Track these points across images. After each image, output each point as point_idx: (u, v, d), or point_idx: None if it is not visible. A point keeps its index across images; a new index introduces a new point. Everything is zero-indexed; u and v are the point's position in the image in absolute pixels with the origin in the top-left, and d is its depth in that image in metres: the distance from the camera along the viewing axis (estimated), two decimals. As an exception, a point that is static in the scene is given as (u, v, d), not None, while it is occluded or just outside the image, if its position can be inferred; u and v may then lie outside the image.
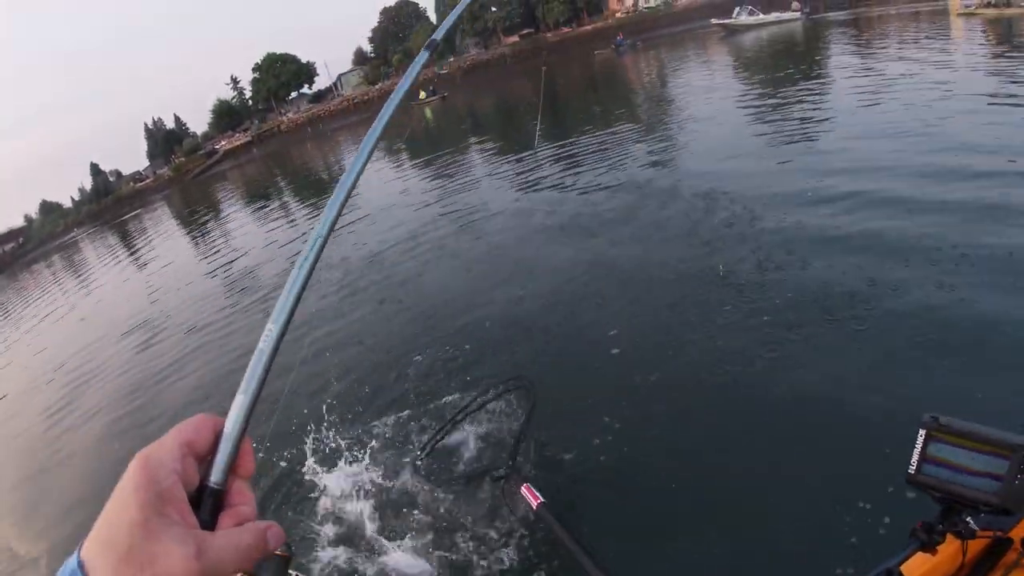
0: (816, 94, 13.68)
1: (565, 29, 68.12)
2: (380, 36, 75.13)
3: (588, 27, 66.20)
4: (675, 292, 5.91)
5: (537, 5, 68.67)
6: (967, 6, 24.47)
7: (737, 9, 46.92)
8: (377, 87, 66.42)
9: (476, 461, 3.88)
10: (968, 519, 1.63)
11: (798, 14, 43.73)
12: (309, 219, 15.44)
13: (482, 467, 2.95)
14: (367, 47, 77.60)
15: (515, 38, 69.47)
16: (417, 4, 74.81)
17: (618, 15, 68.40)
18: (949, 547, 1.71)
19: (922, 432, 1.61)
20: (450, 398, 5.02)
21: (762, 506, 3.29)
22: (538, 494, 2.04)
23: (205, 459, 0.56)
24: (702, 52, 35.66)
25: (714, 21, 47.08)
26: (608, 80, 33.41)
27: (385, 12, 74.94)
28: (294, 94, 74.90)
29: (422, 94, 45.77)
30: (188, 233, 22.38)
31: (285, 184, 23.65)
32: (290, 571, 0.61)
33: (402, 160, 20.36)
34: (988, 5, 23.74)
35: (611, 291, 6.40)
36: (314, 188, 21.69)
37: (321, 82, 76.13)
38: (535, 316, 6.24)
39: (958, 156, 7.34)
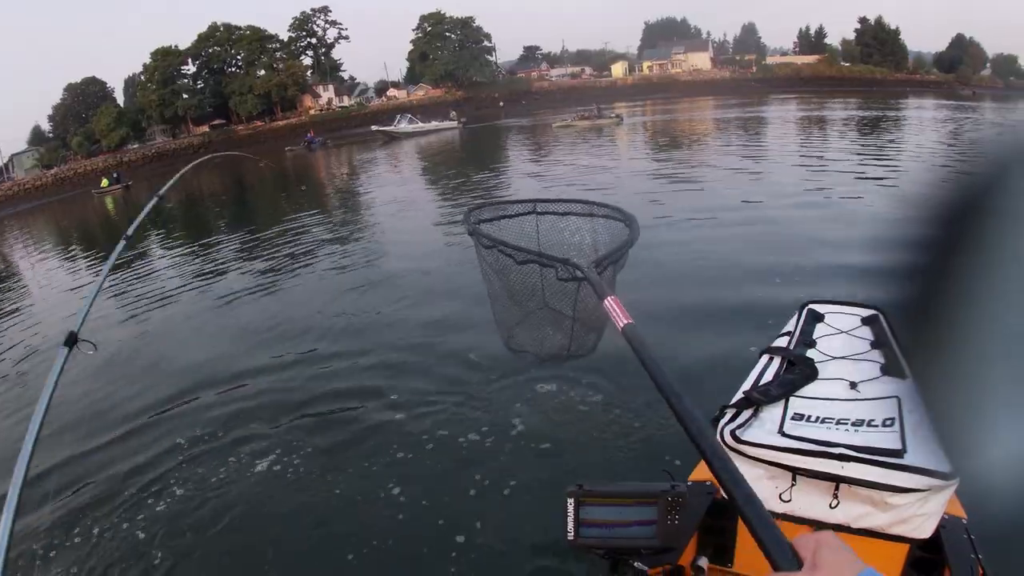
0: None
1: (258, 123, 69.29)
2: (61, 115, 68.84)
3: (281, 122, 68.21)
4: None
5: (231, 96, 69.01)
6: (563, 119, 39.47)
7: (398, 117, 50.69)
8: (53, 171, 61.21)
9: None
10: (636, 564, 1.81)
11: (455, 123, 49.77)
12: None
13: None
14: (46, 125, 71.32)
15: (205, 128, 68.46)
16: (104, 84, 70.24)
17: (312, 112, 71.51)
18: None
19: (570, 500, 1.76)
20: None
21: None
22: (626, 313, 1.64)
23: None
24: (389, 151, 39.98)
25: (375, 128, 49.42)
26: (301, 176, 35.40)
27: (70, 89, 69.24)
28: None
29: (104, 182, 42.21)
30: None
31: None
32: None
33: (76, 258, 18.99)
34: (583, 118, 38.77)
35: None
36: None
37: None
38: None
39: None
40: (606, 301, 1.69)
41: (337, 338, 7.58)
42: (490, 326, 2.81)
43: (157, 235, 18.69)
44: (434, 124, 49.62)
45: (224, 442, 5.43)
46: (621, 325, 1.58)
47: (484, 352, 6.21)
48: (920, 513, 1.90)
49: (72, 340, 1.96)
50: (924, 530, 1.94)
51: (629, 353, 1.42)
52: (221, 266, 13.61)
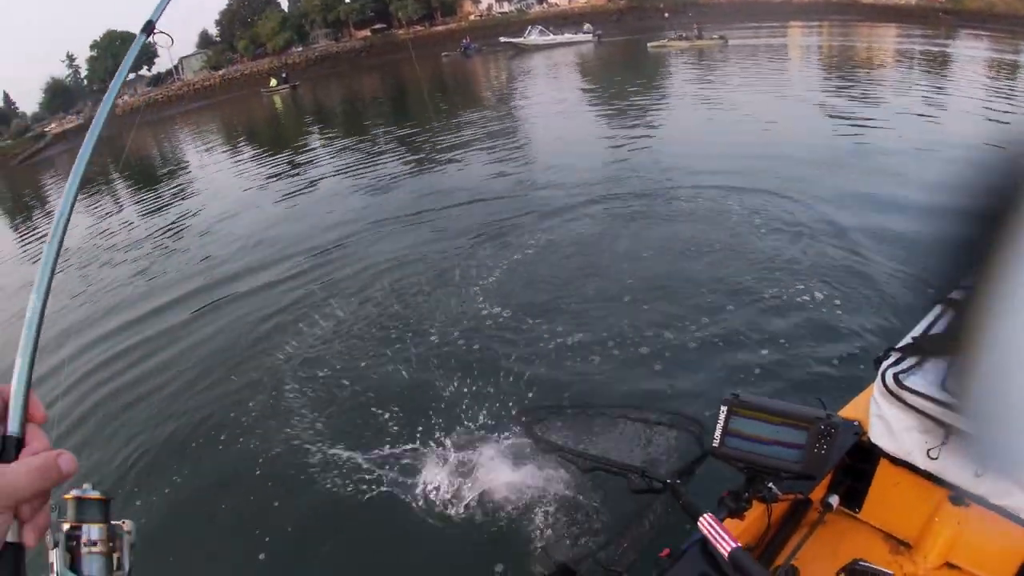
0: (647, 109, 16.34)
1: (418, 27, 68.19)
2: (228, 19, 71.40)
3: (440, 27, 66.79)
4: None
5: (391, 1, 68.14)
6: (658, 44, 35.30)
7: (528, 28, 48.08)
8: (220, 72, 63.55)
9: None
10: (771, 485, 1.79)
11: (590, 36, 46.12)
12: (142, 213, 14.25)
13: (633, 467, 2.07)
14: (213, 30, 73.90)
15: (367, 32, 68.52)
16: None
17: (471, 17, 69.59)
18: (755, 511, 1.88)
19: (724, 408, 1.73)
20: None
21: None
22: (729, 537, 1.54)
23: (1, 418, 0.67)
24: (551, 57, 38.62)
25: (503, 39, 47.47)
26: (460, 81, 35.26)
27: None
28: (132, 76, 69.65)
29: (273, 81, 44.13)
30: (12, 227, 20.70)
31: (117, 174, 22.64)
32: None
33: (245, 155, 20.16)
34: (681, 39, 34.85)
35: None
36: (146, 179, 19.81)
37: (161, 64, 71.45)
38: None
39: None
40: (701, 520, 1.62)
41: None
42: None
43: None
44: (567, 36, 46.64)
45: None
46: (727, 551, 1.50)
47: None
48: None
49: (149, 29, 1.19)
50: None
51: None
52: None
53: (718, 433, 1.73)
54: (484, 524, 3.57)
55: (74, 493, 0.68)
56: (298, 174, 14.74)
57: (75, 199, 0.89)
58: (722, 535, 1.53)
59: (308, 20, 68.52)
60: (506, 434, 3.99)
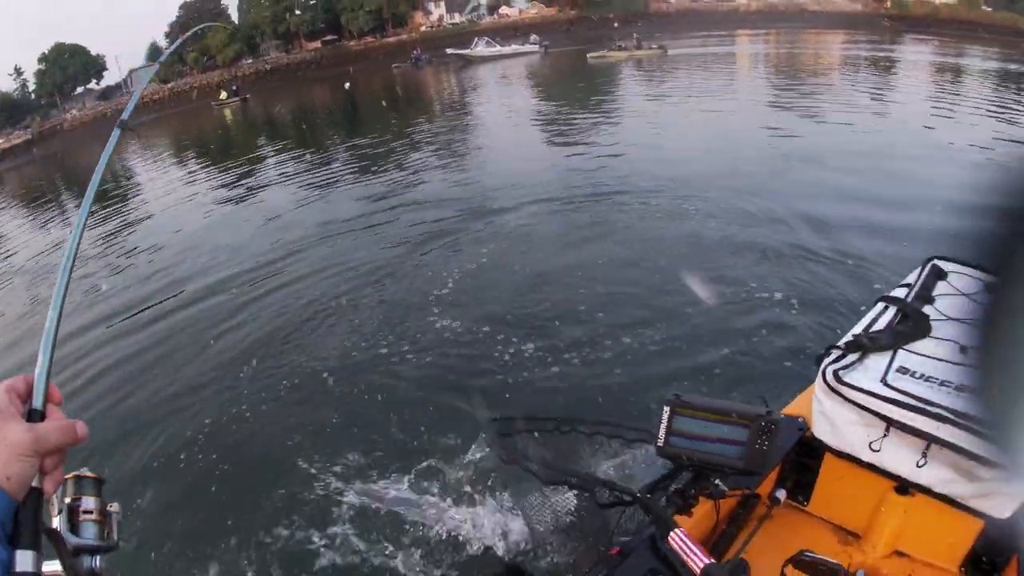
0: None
1: (369, 39, 68.46)
2: (177, 32, 70.63)
3: (392, 38, 67.19)
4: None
5: (342, 12, 68.26)
6: (597, 55, 36.36)
7: (476, 40, 48.87)
8: (170, 85, 62.86)
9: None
10: (717, 482, 1.82)
11: (536, 47, 46.91)
12: (89, 227, 13.88)
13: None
14: (163, 42, 72.83)
15: (317, 44, 68.54)
16: (219, 1, 70.81)
17: (422, 28, 69.95)
18: (703, 508, 1.94)
19: (667, 409, 1.78)
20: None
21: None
22: (702, 553, 1.51)
23: (26, 398, 0.83)
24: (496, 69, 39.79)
25: (450, 51, 47.98)
26: (410, 93, 36.00)
27: (185, 7, 70.20)
28: (80, 89, 68.23)
29: (223, 94, 43.40)
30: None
31: (67, 192, 22.28)
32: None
33: (194, 167, 20.29)
34: (620, 49, 36.30)
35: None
36: (96, 194, 19.49)
37: (111, 77, 70.10)
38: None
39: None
40: (672, 536, 1.60)
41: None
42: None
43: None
44: (513, 48, 47.39)
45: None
46: (698, 568, 1.50)
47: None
48: (1004, 492, 1.86)
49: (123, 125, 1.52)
50: (1003, 510, 1.91)
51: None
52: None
53: (662, 432, 1.78)
54: (445, 544, 3.55)
55: (74, 473, 0.85)
56: (249, 187, 14.88)
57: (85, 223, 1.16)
58: (694, 550, 1.52)
59: (258, 32, 68.16)
60: (471, 449, 3.99)
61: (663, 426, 1.78)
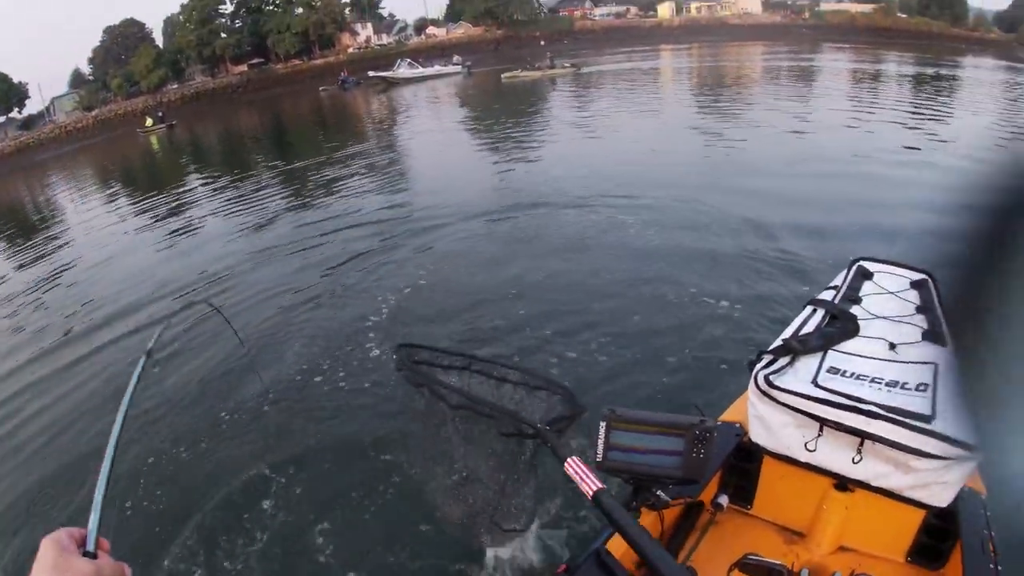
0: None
1: (296, 61, 68.52)
2: (101, 57, 68.31)
3: (319, 60, 67.49)
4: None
5: (268, 35, 68.08)
6: (511, 75, 37.16)
7: (398, 61, 49.10)
8: (94, 113, 61.32)
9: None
10: (659, 492, 1.85)
11: (459, 67, 47.74)
12: (14, 266, 13.10)
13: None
14: (86, 68, 70.73)
15: (244, 67, 67.95)
16: (143, 25, 69.51)
17: (349, 50, 70.31)
18: (646, 519, 1.94)
19: (603, 424, 1.80)
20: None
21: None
22: (594, 477, 1.62)
23: (80, 544, 0.98)
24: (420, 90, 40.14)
25: (372, 73, 47.95)
26: (338, 115, 35.92)
27: (108, 31, 68.45)
28: (2, 118, 65.29)
29: (149, 121, 42.51)
30: None
31: None
32: None
33: (118, 197, 19.72)
34: (534, 69, 37.39)
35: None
36: (19, 229, 17.72)
37: (33, 106, 67.52)
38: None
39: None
40: (568, 462, 1.69)
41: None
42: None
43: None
44: (436, 69, 48.02)
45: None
46: (591, 491, 1.57)
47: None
48: (940, 481, 1.92)
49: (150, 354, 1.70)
50: (942, 498, 1.96)
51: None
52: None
53: (600, 448, 1.79)
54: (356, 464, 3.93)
55: None
56: (176, 216, 14.52)
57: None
58: (588, 475, 1.60)
59: (184, 56, 67.40)
60: (411, 474, 3.80)
61: (600, 441, 1.81)
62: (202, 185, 18.63)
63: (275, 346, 6.37)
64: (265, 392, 5.43)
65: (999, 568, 1.90)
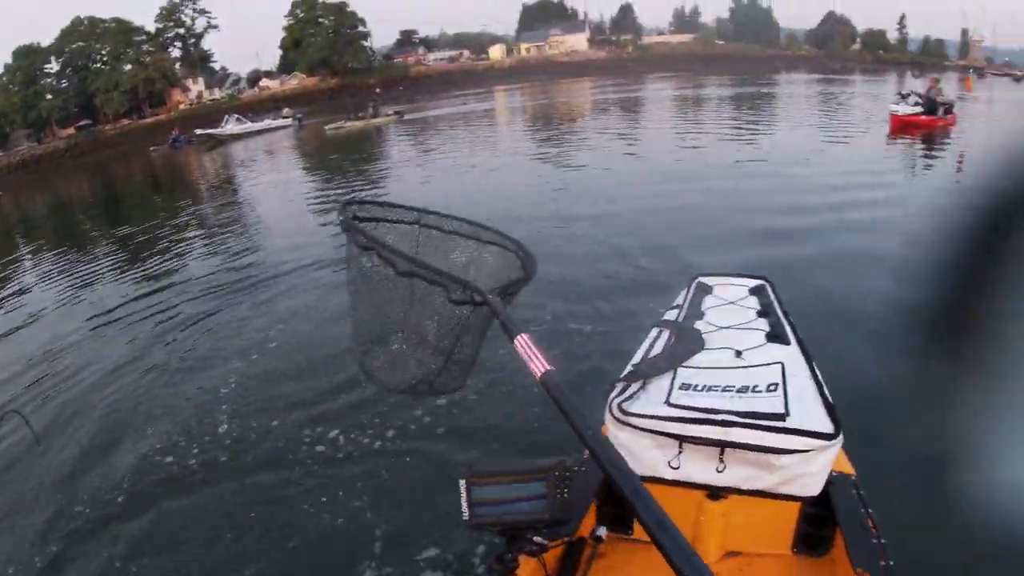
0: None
1: (126, 121, 67.02)
2: None
3: (150, 119, 66.14)
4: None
5: (96, 94, 66.55)
6: (335, 126, 36.99)
7: (226, 117, 46.95)
8: None
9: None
10: (535, 538, 1.80)
11: (289, 120, 47.22)
12: None
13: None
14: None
15: (71, 130, 65.26)
16: None
17: (181, 106, 69.94)
18: (527, 568, 1.93)
19: (463, 483, 1.75)
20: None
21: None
22: (544, 358, 1.39)
23: None
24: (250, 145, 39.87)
25: (198, 131, 45.36)
26: (170, 176, 35.20)
27: None
28: None
29: None
30: None
31: None
32: None
33: None
34: (357, 119, 37.71)
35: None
36: None
37: None
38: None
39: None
40: (518, 339, 1.50)
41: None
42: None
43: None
44: (266, 123, 46.97)
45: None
46: (539, 372, 1.42)
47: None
48: (806, 472, 1.99)
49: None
50: (812, 488, 2.03)
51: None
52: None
53: (465, 507, 1.74)
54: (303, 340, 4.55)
55: None
56: (2, 295, 13.33)
57: None
58: (537, 355, 1.45)
59: (7, 121, 64.46)
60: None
61: (464, 500, 1.73)
62: (31, 259, 17.77)
63: (117, 422, 5.69)
64: (120, 484, 4.73)
65: (883, 541, 1.94)
